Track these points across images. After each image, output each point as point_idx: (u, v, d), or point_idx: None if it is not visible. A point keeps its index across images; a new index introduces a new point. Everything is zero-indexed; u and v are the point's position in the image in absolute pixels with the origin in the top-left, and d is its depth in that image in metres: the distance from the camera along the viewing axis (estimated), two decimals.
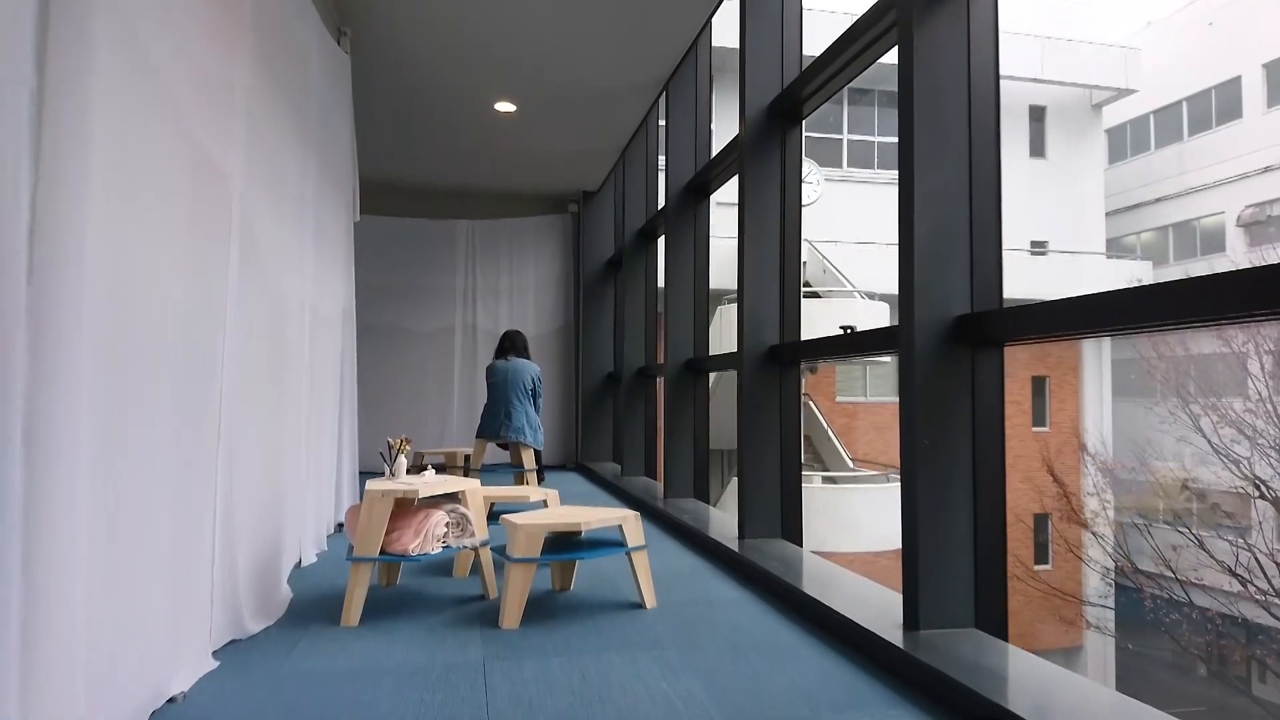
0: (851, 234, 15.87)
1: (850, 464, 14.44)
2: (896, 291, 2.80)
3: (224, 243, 2.68)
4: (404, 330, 8.95)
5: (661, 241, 6.91)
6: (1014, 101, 17.53)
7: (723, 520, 4.89)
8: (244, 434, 2.89)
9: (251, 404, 3.01)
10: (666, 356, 5.76)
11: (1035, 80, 17.65)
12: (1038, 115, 18.32)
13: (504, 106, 6.55)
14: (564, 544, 3.29)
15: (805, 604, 3.14)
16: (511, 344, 6.77)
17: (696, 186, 5.65)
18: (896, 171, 2.80)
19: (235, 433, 2.78)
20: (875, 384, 16.97)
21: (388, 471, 3.51)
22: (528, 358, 6.77)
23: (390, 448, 3.54)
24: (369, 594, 3.22)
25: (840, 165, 16.98)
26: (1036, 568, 16.01)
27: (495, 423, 6.43)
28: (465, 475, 6.67)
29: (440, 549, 3.21)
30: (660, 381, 7.41)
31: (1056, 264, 17.61)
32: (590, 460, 8.72)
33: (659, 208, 6.90)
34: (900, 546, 2.72)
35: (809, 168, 13.72)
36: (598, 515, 3.25)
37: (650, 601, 3.25)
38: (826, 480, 13.19)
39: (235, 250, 2.78)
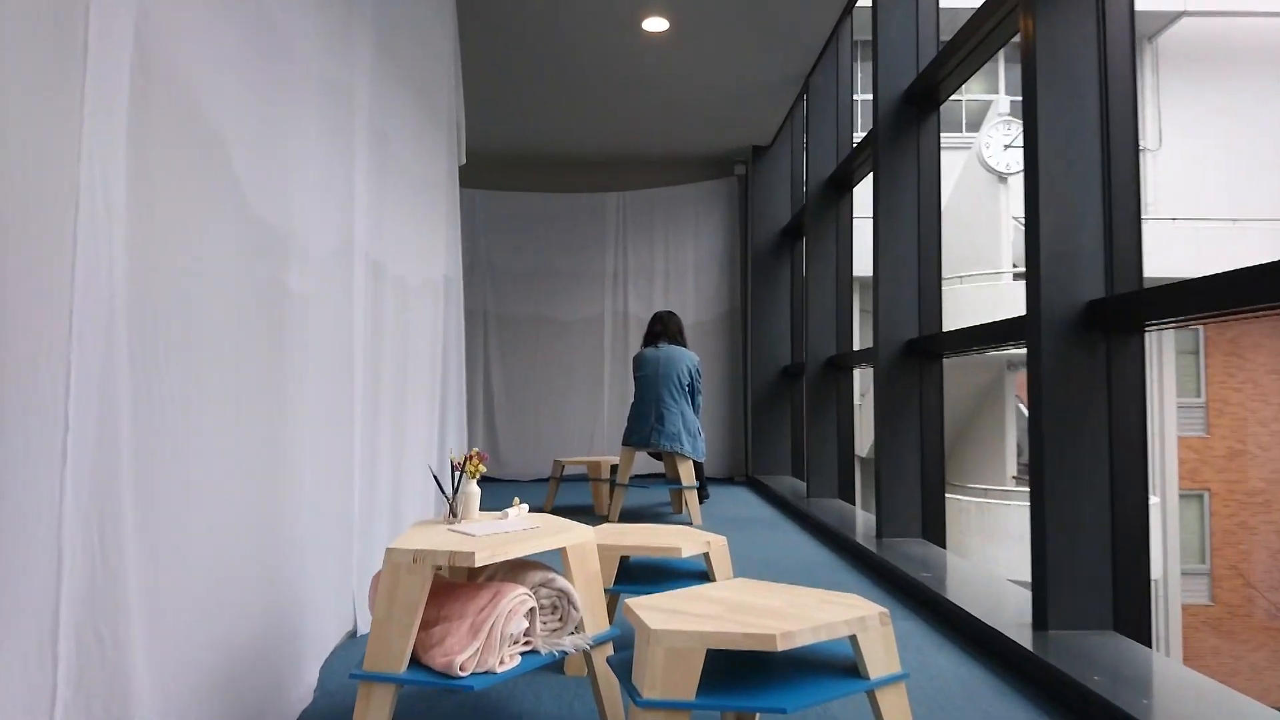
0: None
1: None
2: None
3: (73, 87, 1.36)
4: (544, 319, 7.78)
5: (862, 188, 5.29)
6: (1271, 44, 14.37)
7: (979, 582, 3.20)
8: (165, 446, 1.58)
9: (188, 396, 1.70)
10: (877, 338, 4.12)
11: None
12: None
13: (654, 24, 5.13)
14: (741, 663, 1.76)
15: None
16: (664, 328, 5.37)
17: (921, 93, 3.96)
18: None
19: (118, 446, 1.45)
20: None
21: (448, 510, 2.14)
22: (684, 345, 5.36)
23: (453, 469, 2.17)
24: (410, 704, 1.85)
25: None
26: None
27: (645, 427, 5.06)
28: (611, 491, 5.32)
29: (518, 659, 1.79)
30: (860, 375, 5.75)
31: None
32: (764, 473, 7.15)
33: (854, 145, 5.25)
34: None
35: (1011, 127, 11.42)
36: (809, 615, 1.68)
37: None
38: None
39: (121, 112, 1.47)
